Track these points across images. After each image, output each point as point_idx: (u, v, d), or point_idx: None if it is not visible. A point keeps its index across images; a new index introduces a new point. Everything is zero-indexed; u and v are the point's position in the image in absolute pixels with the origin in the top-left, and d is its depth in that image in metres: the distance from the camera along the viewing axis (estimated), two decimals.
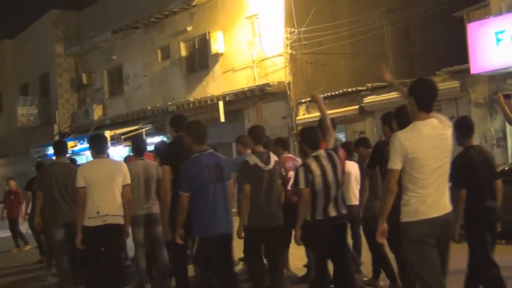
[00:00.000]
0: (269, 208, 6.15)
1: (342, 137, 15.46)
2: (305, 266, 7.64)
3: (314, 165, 5.54)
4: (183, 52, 20.41)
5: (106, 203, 6.24)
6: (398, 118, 5.34)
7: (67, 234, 7.44)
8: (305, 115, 16.14)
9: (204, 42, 18.93)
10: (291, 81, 16.40)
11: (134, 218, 7.09)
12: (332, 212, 5.58)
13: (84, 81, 25.06)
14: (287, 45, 16.38)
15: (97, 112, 24.01)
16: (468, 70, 12.24)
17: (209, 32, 18.34)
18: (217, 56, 18.55)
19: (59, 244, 7.62)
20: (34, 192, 9.65)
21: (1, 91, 31.99)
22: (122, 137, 19.96)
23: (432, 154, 4.11)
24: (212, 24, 18.64)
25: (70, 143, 22.27)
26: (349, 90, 15.23)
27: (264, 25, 17.07)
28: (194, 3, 18.95)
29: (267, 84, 16.49)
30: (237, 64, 18.06)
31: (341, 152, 6.38)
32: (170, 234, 5.84)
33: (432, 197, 4.12)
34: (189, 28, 19.63)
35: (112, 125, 22.20)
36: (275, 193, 6.23)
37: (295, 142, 15.21)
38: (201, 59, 19.63)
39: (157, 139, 20.62)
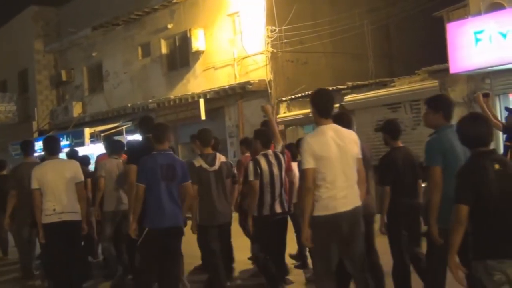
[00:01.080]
0: (217, 206, 6.59)
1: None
2: (249, 259, 7.92)
3: (263, 161, 6.29)
4: (164, 50, 20.32)
5: (61, 201, 6.63)
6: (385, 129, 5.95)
7: (34, 232, 7.68)
8: (286, 113, 16.17)
9: (185, 40, 18.87)
10: (272, 79, 16.41)
11: (104, 214, 7.80)
12: (278, 209, 6.30)
13: (64, 77, 24.83)
14: (268, 43, 16.38)
15: (77, 109, 23.85)
16: (447, 69, 12.33)
17: (190, 30, 18.28)
18: (198, 53, 18.50)
19: (24, 241, 8.22)
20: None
21: None
22: (102, 134, 19.83)
23: (337, 153, 4.65)
24: (193, 21, 18.58)
25: None
26: (330, 88, 15.24)
27: (245, 23, 17.06)
28: (175, 1, 18.89)
29: (248, 82, 16.49)
30: (218, 62, 18.02)
31: (286, 154, 6.96)
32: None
33: (341, 193, 4.64)
34: (169, 26, 19.55)
35: (92, 122, 22.05)
36: (223, 191, 6.67)
37: None
38: (182, 57, 19.56)
39: (137, 136, 20.57)
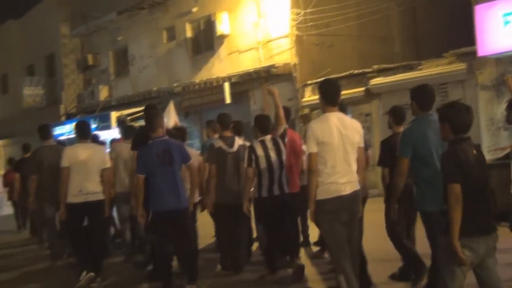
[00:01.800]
0: (234, 186, 7.00)
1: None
2: (255, 238, 8.17)
3: (259, 148, 6.54)
4: (189, 33, 20.34)
5: (87, 182, 7.11)
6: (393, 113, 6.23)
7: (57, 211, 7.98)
8: (311, 97, 16.10)
9: (210, 23, 18.85)
10: (297, 62, 16.34)
11: (119, 195, 8.16)
12: (276, 191, 6.53)
13: (90, 62, 25.00)
14: (293, 27, 16.29)
15: (103, 93, 24.03)
16: (475, 52, 12.18)
17: (214, 13, 18.25)
18: (223, 37, 18.47)
19: (50, 220, 8.47)
20: (21, 173, 10.89)
21: (7, 72, 32.00)
22: (128, 118, 20.00)
23: (339, 140, 4.93)
24: (217, 5, 18.53)
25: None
26: (356, 72, 15.17)
27: (270, 6, 16.97)
28: None
29: (273, 66, 16.44)
30: (243, 45, 17.99)
31: (296, 135, 7.29)
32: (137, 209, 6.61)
33: (342, 179, 4.96)
34: (194, 9, 19.52)
35: (118, 106, 22.20)
36: (238, 173, 7.03)
37: (301, 124, 15.22)
38: (206, 41, 19.56)
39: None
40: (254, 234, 8.09)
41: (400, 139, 5.29)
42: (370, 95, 14.54)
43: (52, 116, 24.90)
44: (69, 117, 24.91)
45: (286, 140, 6.82)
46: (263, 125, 6.79)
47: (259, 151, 6.55)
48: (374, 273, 6.05)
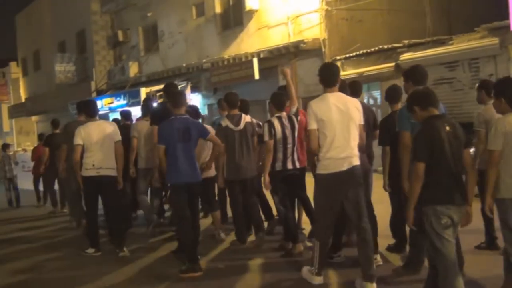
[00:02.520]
0: (241, 162, 7.34)
1: (377, 94, 15.36)
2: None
3: (276, 123, 6.86)
4: (218, 9, 20.33)
5: (100, 158, 7.52)
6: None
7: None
8: (340, 73, 15.98)
9: None
10: (326, 38, 16.23)
11: (138, 171, 8.71)
12: (289, 165, 6.93)
13: (120, 38, 25.24)
14: (322, 1, 16.15)
15: (133, 69, 24.24)
16: (508, 26, 11.94)
17: None
18: (252, 12, 18.42)
19: (74, 192, 8.89)
20: (50, 148, 11.62)
21: (39, 48, 32.48)
22: (158, 94, 20.17)
23: (337, 117, 5.21)
24: None
25: (107, 100, 22.67)
26: (385, 47, 15.00)
27: None
28: None
29: (302, 41, 16.36)
30: (272, 20, 17.93)
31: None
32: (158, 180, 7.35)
33: (341, 155, 5.22)
34: None
35: (148, 82, 22.41)
36: (247, 149, 7.39)
37: None
38: (235, 16, 19.55)
39: (192, 96, 20.83)
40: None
41: (398, 116, 5.67)
42: (400, 70, 14.33)
43: (83, 92, 25.27)
44: (100, 93, 25.24)
45: (298, 118, 7.14)
46: (279, 102, 7.09)
47: (277, 126, 6.85)
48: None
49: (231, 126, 7.37)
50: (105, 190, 7.64)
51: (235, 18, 19.58)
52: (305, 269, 5.74)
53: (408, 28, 16.36)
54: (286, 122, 6.93)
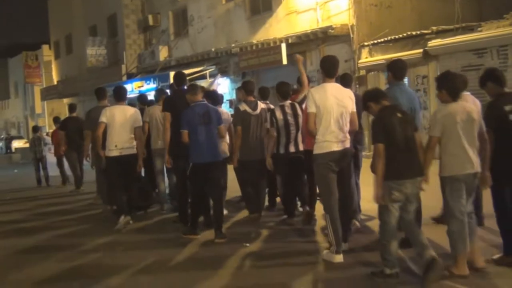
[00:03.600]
0: (255, 144, 8.07)
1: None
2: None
3: (278, 112, 7.63)
4: None
5: (122, 139, 8.24)
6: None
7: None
8: (368, 58, 16.07)
9: None
10: (354, 24, 16.27)
11: (153, 151, 9.23)
12: (292, 149, 7.69)
13: (150, 22, 25.52)
14: None
15: (163, 53, 24.54)
16: None
17: None
18: None
19: (101, 171, 9.40)
20: (67, 131, 12.46)
21: (71, 32, 33.00)
22: (187, 78, 20.40)
23: (333, 105, 5.78)
24: None
25: (137, 83, 23.00)
26: (414, 33, 14.99)
27: None
28: None
29: (330, 27, 16.42)
30: (300, 6, 18.01)
31: None
32: (170, 161, 7.96)
33: (335, 138, 5.80)
34: None
35: (177, 66, 22.64)
36: (260, 132, 8.09)
37: (357, 86, 15.26)
38: (264, 1, 19.66)
39: (220, 80, 21.06)
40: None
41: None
42: (428, 57, 14.37)
43: (114, 76, 25.67)
44: (130, 77, 25.59)
45: (304, 105, 7.36)
46: (283, 91, 7.84)
47: (278, 115, 7.61)
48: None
49: (249, 110, 8.08)
50: (127, 168, 8.32)
51: (264, 3, 19.70)
52: (325, 252, 6.05)
53: (437, 14, 16.30)
54: (288, 110, 7.66)
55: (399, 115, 5.20)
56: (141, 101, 10.86)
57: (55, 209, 10.79)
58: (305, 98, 7.46)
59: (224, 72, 20.94)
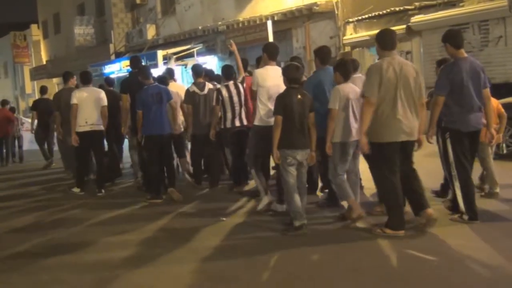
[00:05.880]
0: (203, 121, 9.13)
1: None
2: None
3: (224, 91, 8.62)
4: None
5: (91, 116, 9.40)
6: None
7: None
8: (353, 35, 16.20)
9: None
10: (339, 0, 16.37)
11: (129, 128, 9.75)
12: (237, 123, 8.66)
13: (138, 0, 25.48)
14: None
15: (151, 32, 24.53)
16: None
17: None
18: None
19: (70, 148, 10.14)
20: (38, 112, 13.30)
21: (59, 11, 32.83)
22: (174, 56, 20.51)
23: (271, 84, 7.15)
24: None
25: (125, 62, 23.00)
26: (397, 9, 15.12)
27: None
28: None
29: (315, 4, 16.51)
30: None
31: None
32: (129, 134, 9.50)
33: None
34: None
35: (165, 45, 22.71)
36: (209, 110, 9.11)
37: None
38: None
39: (208, 58, 21.13)
40: None
41: (305, 84, 7.19)
42: (411, 32, 14.52)
43: (102, 55, 25.67)
44: (118, 56, 25.61)
45: (245, 85, 8.64)
46: (227, 72, 8.91)
47: (224, 93, 8.58)
48: None
49: (197, 91, 9.20)
50: (96, 142, 9.55)
51: None
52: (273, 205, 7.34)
53: None
54: (233, 88, 8.61)
55: (299, 96, 6.26)
56: (108, 82, 12.00)
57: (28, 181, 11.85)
58: (243, 79, 8.79)
59: (211, 50, 21.00)
